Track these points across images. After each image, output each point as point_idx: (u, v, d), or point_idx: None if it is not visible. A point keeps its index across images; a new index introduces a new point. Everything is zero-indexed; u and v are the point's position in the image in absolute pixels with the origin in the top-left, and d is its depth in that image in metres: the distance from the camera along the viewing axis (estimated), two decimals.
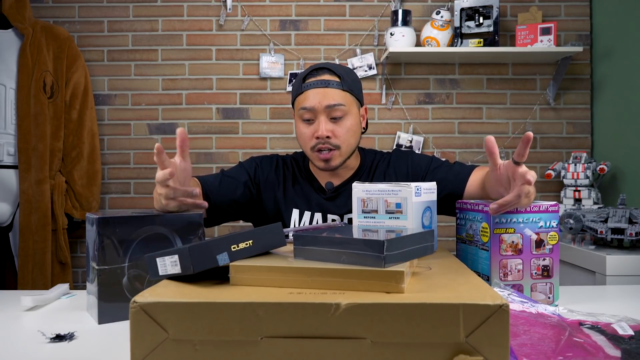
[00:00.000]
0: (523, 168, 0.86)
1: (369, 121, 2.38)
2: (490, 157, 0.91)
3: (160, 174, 0.90)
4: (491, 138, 0.88)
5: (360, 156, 1.31)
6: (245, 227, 2.31)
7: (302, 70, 1.26)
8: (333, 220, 1.24)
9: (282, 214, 1.26)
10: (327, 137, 1.17)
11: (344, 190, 1.25)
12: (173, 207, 0.95)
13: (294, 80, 2.39)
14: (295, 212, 1.26)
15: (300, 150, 1.37)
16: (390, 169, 1.28)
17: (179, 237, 0.95)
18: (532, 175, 0.83)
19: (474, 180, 1.18)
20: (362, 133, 1.38)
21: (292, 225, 1.25)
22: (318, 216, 1.25)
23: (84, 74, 2.26)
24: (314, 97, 1.17)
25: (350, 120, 1.20)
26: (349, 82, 1.20)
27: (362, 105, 1.27)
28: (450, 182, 1.20)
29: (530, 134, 0.85)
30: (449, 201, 1.19)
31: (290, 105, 2.43)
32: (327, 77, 1.19)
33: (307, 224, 1.24)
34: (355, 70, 2.40)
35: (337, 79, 1.19)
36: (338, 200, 1.25)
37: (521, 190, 0.84)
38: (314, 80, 1.18)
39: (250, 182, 1.27)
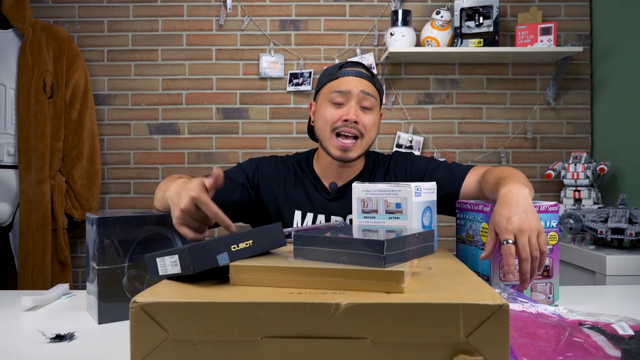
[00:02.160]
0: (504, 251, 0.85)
1: None
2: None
3: (219, 214, 0.78)
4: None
5: (365, 158, 1.32)
6: (246, 227, 2.31)
7: (328, 67, 1.30)
8: (336, 221, 1.24)
9: (284, 215, 1.25)
10: (355, 122, 1.18)
11: (348, 191, 1.25)
12: (175, 222, 0.84)
13: (294, 81, 2.41)
14: (298, 214, 1.25)
15: (302, 151, 1.37)
16: (390, 171, 1.29)
17: (179, 237, 0.95)
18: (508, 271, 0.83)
19: (470, 180, 1.19)
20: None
21: (294, 227, 1.25)
22: (321, 218, 1.24)
23: (84, 74, 2.26)
24: (350, 83, 1.20)
25: (375, 115, 1.23)
26: (379, 84, 1.27)
27: (380, 111, 1.31)
28: (447, 182, 1.21)
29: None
30: (447, 201, 1.20)
31: (290, 105, 2.44)
32: (362, 70, 1.24)
33: (309, 225, 1.24)
34: None
35: (371, 76, 1.25)
36: (341, 200, 1.25)
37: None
38: (351, 69, 1.23)
39: (249, 184, 1.26)
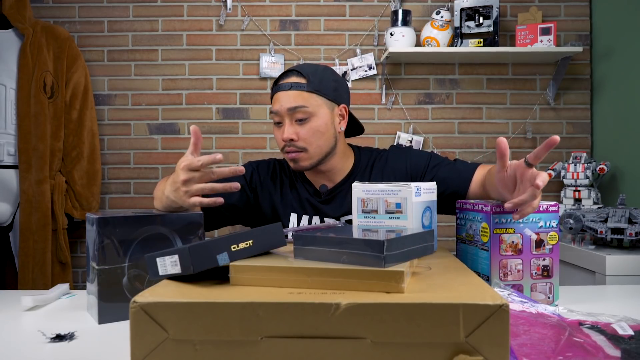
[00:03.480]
0: (534, 170, 0.84)
1: (368, 121, 2.38)
2: (500, 159, 0.88)
3: (205, 157, 0.91)
4: (504, 140, 0.85)
5: (355, 156, 1.29)
6: (246, 227, 2.31)
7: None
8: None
9: (280, 218, 1.26)
10: (292, 139, 1.17)
11: (339, 192, 1.25)
12: (187, 201, 0.95)
13: None
14: (293, 216, 1.25)
15: None
16: (388, 167, 1.26)
17: (179, 237, 0.95)
18: (542, 179, 0.80)
19: (477, 179, 1.16)
20: (360, 133, 1.37)
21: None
22: (316, 219, 1.25)
23: (84, 74, 2.26)
24: (278, 101, 1.18)
25: (317, 122, 1.18)
26: (316, 83, 1.18)
27: (339, 104, 1.23)
28: (454, 181, 1.19)
29: (557, 138, 0.81)
30: (452, 200, 1.18)
31: None
32: (293, 79, 1.18)
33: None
34: (355, 70, 2.40)
35: (302, 81, 1.17)
36: (333, 203, 1.25)
37: (534, 190, 0.82)
38: (281, 84, 1.19)
39: (247, 186, 1.27)
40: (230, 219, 1.27)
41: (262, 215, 1.28)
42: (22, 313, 0.94)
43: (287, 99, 1.17)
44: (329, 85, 1.20)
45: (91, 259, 0.91)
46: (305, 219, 1.25)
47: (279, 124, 1.20)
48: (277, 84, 1.20)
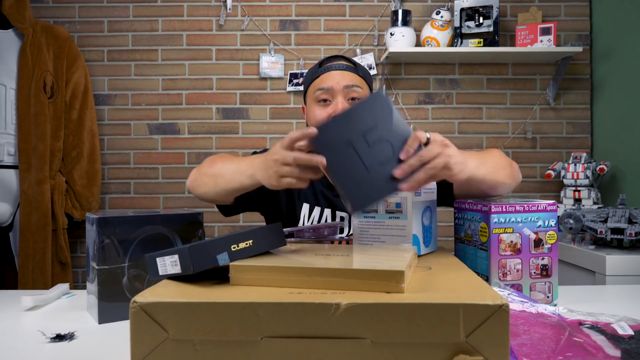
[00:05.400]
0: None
1: None
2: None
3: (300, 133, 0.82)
4: None
5: None
6: (245, 227, 2.31)
7: (313, 65, 1.30)
8: (342, 218, 1.26)
9: (294, 207, 1.28)
10: None
11: None
12: (277, 181, 0.86)
13: (294, 81, 2.41)
14: (306, 207, 1.28)
15: None
16: None
17: (179, 237, 0.95)
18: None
19: None
20: None
21: (301, 220, 1.27)
22: (327, 212, 1.27)
23: (84, 74, 2.26)
24: (332, 79, 1.20)
25: None
26: (364, 71, 1.26)
27: None
28: None
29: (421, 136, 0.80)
30: (447, 189, 1.16)
31: (290, 105, 2.44)
32: (343, 62, 1.24)
33: (316, 219, 1.27)
34: None
35: (353, 65, 1.24)
36: None
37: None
38: (332, 64, 1.23)
39: None
40: (257, 203, 1.28)
41: (277, 203, 1.30)
42: (22, 313, 0.94)
43: (343, 77, 1.20)
44: (369, 76, 1.29)
45: (91, 259, 0.91)
46: (317, 210, 1.27)
47: (324, 101, 1.21)
48: (325, 65, 1.23)
